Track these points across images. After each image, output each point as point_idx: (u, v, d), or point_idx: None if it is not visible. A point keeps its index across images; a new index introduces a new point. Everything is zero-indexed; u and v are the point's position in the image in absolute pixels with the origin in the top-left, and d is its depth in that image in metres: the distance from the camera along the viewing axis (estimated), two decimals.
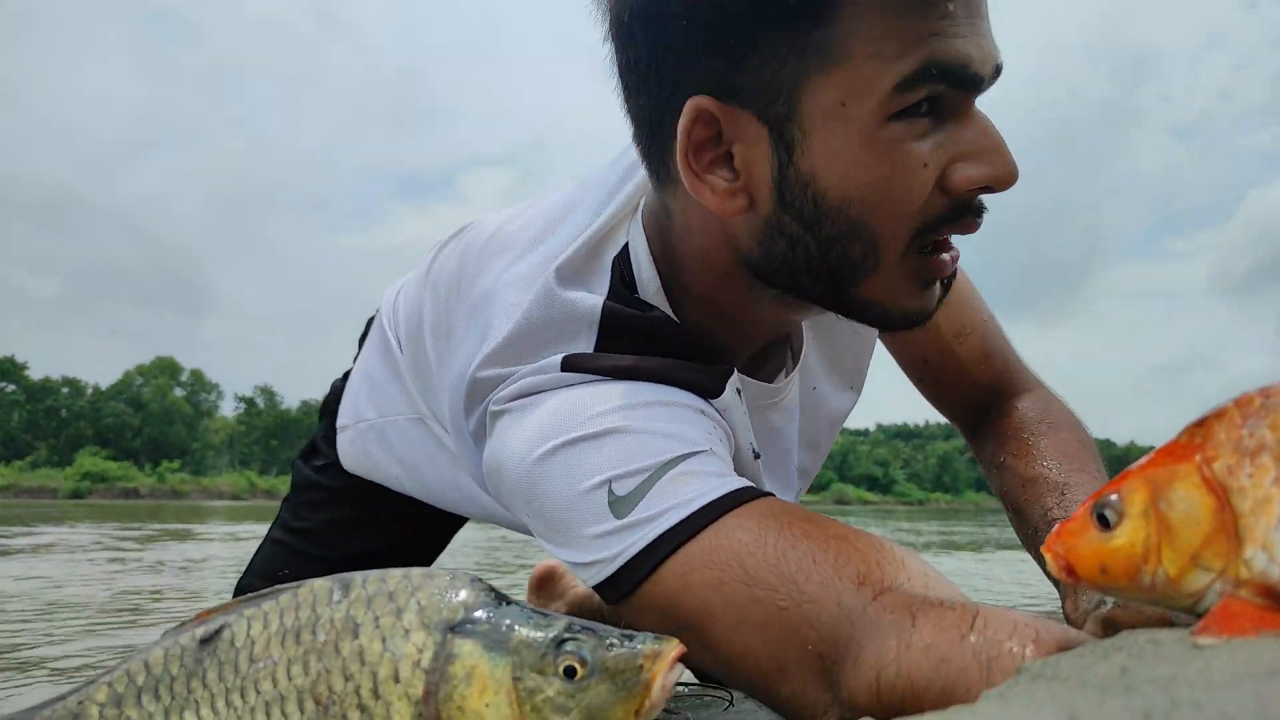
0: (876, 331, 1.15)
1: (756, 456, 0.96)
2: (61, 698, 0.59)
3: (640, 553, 0.73)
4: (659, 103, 0.81)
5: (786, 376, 1.02)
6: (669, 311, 0.91)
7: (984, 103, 0.78)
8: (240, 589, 1.36)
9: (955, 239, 0.93)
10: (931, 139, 0.75)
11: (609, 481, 0.75)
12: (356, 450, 1.28)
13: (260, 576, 1.34)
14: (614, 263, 0.92)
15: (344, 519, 1.32)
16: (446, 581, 0.58)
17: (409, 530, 1.32)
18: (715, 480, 0.75)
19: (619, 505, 0.74)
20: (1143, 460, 0.48)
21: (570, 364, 0.85)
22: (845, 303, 0.83)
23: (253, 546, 1.44)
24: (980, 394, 1.20)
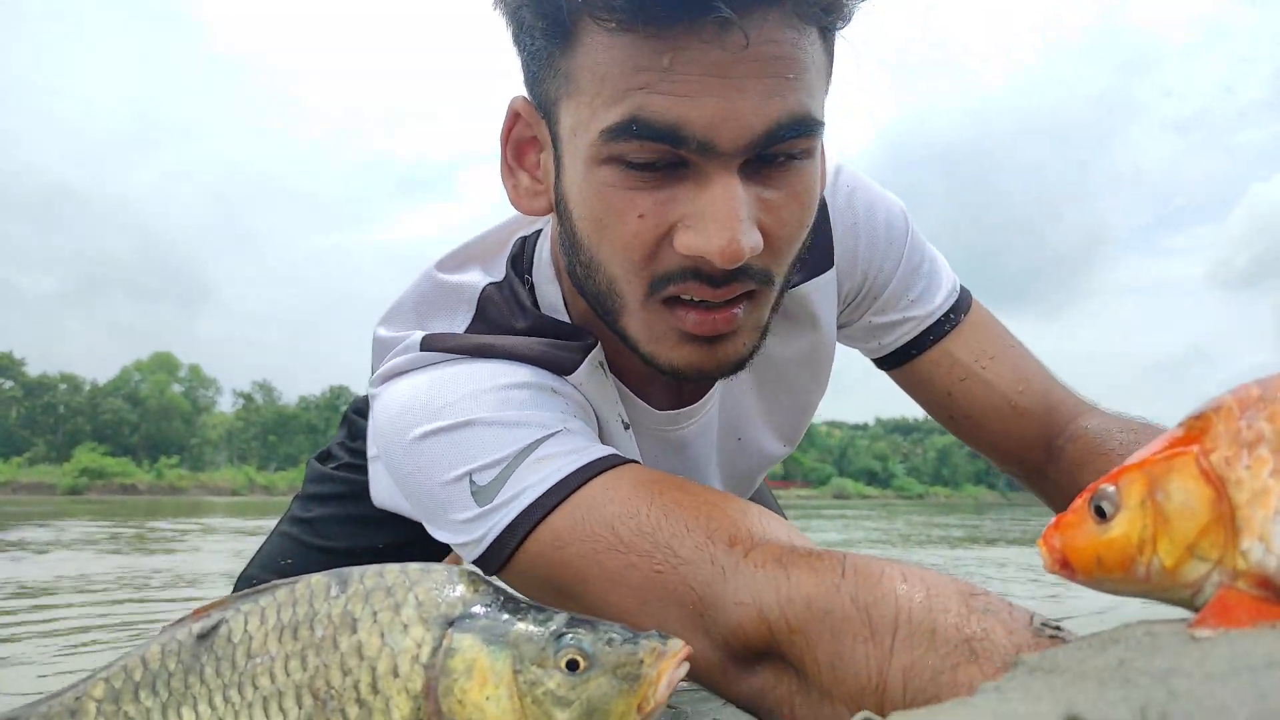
0: (818, 395, 1.14)
1: (626, 428, 0.97)
2: (59, 694, 0.59)
3: (504, 530, 0.77)
4: None
5: (683, 409, 1.01)
6: (560, 296, 0.95)
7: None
8: (243, 579, 1.35)
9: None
10: (657, 193, 0.74)
11: (469, 474, 0.79)
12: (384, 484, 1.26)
13: (263, 567, 1.34)
14: (519, 240, 0.98)
15: (351, 515, 1.32)
16: (444, 577, 0.58)
17: (414, 528, 1.31)
18: (569, 458, 0.78)
19: (481, 494, 0.78)
20: (1141, 453, 0.48)
21: (428, 343, 0.90)
22: (619, 334, 0.85)
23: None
24: (1030, 425, 1.10)
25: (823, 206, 0.97)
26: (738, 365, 0.84)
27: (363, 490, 1.28)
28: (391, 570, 0.58)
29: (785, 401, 1.11)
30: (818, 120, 0.75)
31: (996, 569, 3.65)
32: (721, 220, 0.72)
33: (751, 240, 0.73)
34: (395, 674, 0.54)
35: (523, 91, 0.84)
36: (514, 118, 0.85)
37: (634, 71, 0.70)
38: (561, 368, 0.90)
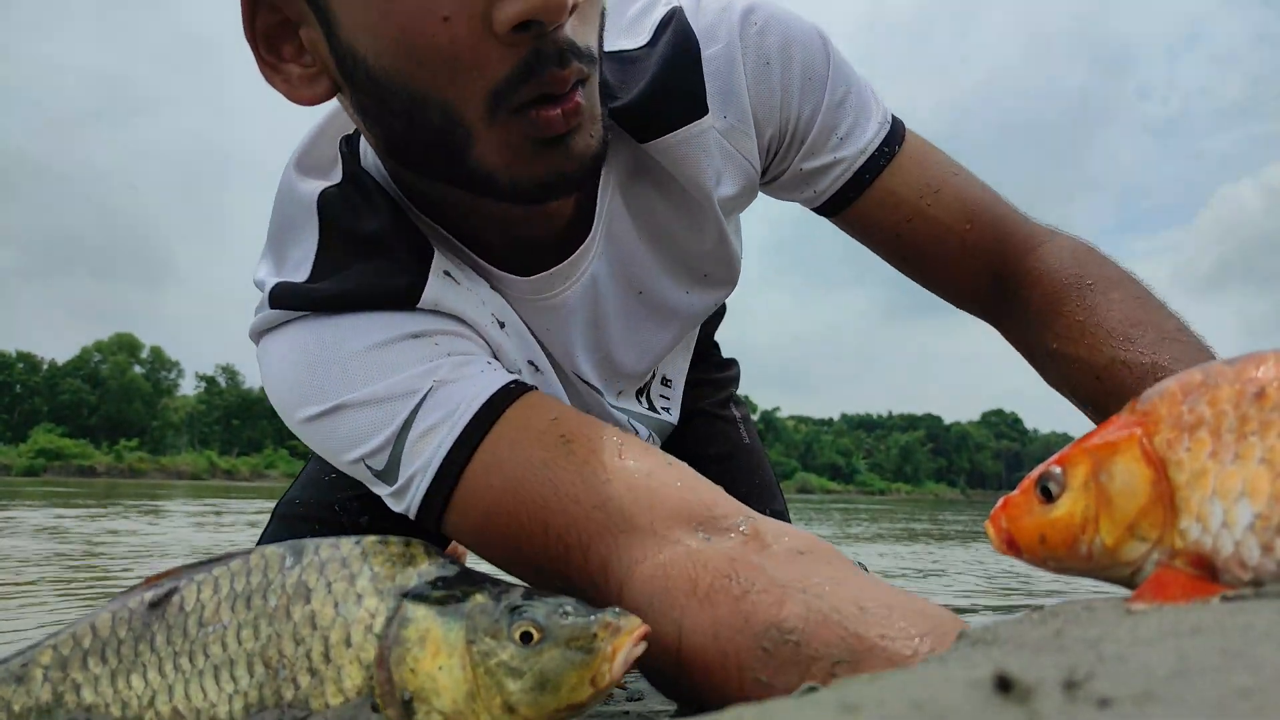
0: (721, 220, 1.02)
1: (502, 326, 0.92)
2: (6, 660, 0.58)
3: (420, 512, 0.78)
4: None
5: (554, 270, 0.94)
6: (391, 183, 0.90)
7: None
8: (285, 503, 1.27)
9: None
10: None
11: (363, 459, 0.80)
12: None
13: (305, 487, 1.27)
14: (344, 139, 0.92)
15: None
16: (400, 549, 0.58)
17: None
18: (446, 431, 0.77)
19: (384, 475, 0.79)
20: (1088, 435, 0.49)
21: (277, 300, 0.86)
22: (469, 178, 0.78)
23: None
24: (981, 262, 1.04)
25: (694, 48, 0.91)
26: (596, 159, 0.78)
27: None
28: (347, 542, 0.58)
29: (677, 248, 1.02)
30: None
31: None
32: None
33: None
34: (348, 644, 0.54)
35: None
36: (251, 9, 0.76)
37: None
38: (412, 295, 0.84)
